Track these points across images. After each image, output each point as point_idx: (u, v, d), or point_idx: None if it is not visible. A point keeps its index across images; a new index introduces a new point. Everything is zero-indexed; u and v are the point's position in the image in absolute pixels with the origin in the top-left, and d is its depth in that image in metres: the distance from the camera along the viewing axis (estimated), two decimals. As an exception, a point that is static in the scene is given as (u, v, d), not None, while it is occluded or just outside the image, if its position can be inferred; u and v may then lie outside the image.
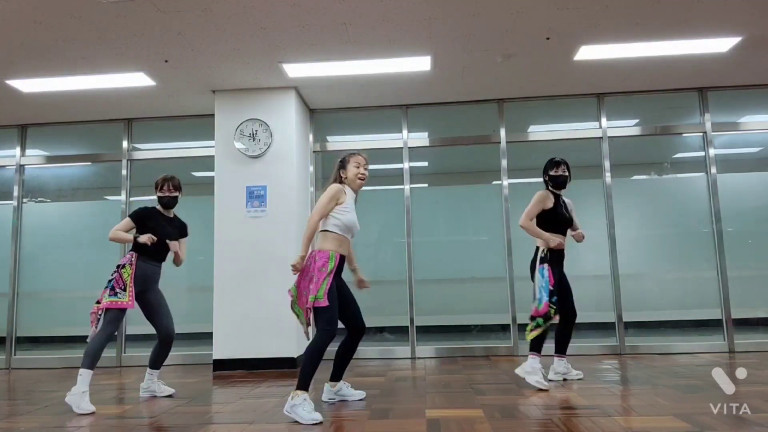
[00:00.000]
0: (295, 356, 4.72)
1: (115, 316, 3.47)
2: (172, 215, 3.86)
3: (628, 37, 4.17)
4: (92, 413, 3.24)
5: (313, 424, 2.82)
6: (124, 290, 3.49)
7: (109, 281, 3.53)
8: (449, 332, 5.62)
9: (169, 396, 3.72)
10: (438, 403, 3.19)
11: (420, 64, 4.53)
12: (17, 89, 4.78)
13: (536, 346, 3.61)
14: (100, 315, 3.44)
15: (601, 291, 5.21)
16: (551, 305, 3.55)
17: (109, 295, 3.46)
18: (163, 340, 3.73)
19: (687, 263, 5.36)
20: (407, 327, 5.26)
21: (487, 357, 5.06)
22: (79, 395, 3.30)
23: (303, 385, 2.94)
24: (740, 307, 5.08)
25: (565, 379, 3.76)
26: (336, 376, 3.39)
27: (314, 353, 2.98)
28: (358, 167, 3.28)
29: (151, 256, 3.67)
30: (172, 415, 3.11)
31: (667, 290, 5.40)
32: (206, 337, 4.98)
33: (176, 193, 3.79)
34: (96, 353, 3.41)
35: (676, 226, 5.45)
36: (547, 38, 4.15)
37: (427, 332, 5.41)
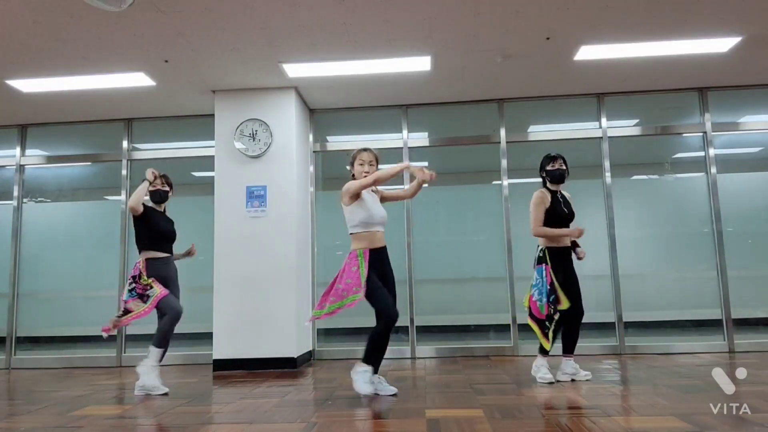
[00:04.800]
0: (295, 356, 4.72)
1: (168, 302, 3.72)
2: (162, 209, 4.01)
3: (628, 37, 4.17)
4: (164, 394, 3.68)
5: (363, 395, 3.28)
6: (151, 288, 3.73)
7: (130, 291, 3.75)
8: (449, 332, 5.62)
9: (164, 395, 3.73)
10: (438, 403, 3.19)
11: (420, 64, 4.53)
12: (17, 89, 4.78)
13: (567, 348, 3.77)
14: (123, 326, 3.85)
15: (601, 291, 5.21)
16: (550, 305, 3.61)
17: (145, 302, 3.72)
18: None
19: (687, 263, 5.36)
20: (407, 327, 5.26)
21: (487, 357, 5.06)
22: (151, 373, 3.70)
23: (368, 361, 3.32)
24: (740, 307, 5.08)
25: (573, 380, 3.75)
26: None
27: (375, 336, 3.30)
28: (362, 165, 3.45)
29: (160, 248, 3.84)
30: (172, 415, 3.11)
31: (667, 290, 5.40)
32: (206, 337, 4.98)
33: (167, 189, 3.89)
34: (166, 333, 3.72)
35: (676, 226, 5.45)
36: (547, 38, 4.15)
37: (427, 332, 5.41)
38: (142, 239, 3.81)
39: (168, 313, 3.71)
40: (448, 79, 4.89)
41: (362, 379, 3.29)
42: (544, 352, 3.72)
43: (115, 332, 3.80)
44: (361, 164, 3.44)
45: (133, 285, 3.73)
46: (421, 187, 3.57)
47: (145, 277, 3.73)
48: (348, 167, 3.57)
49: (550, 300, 3.62)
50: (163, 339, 3.72)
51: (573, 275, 3.78)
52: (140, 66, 4.44)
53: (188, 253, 4.17)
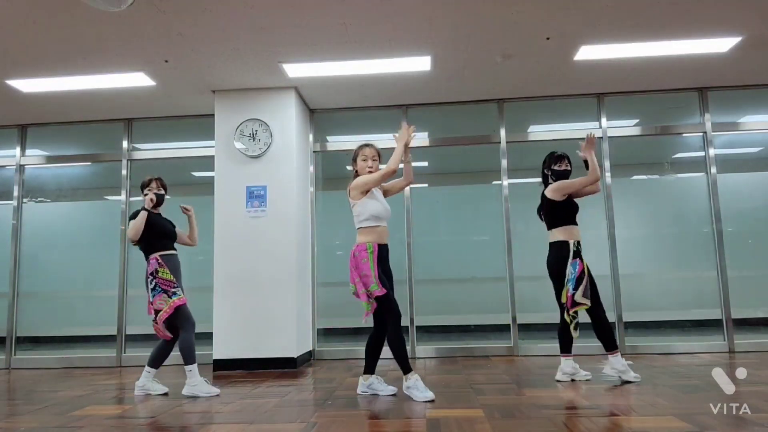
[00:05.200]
0: (295, 356, 4.72)
1: (184, 313, 3.73)
2: (159, 212, 3.96)
3: (628, 37, 4.17)
4: (217, 395, 3.64)
5: (425, 402, 3.18)
6: (177, 286, 3.72)
7: (153, 289, 3.69)
8: (449, 332, 5.62)
9: (164, 395, 3.73)
10: (438, 403, 3.19)
11: (420, 64, 4.53)
12: (17, 89, 4.78)
13: (565, 348, 3.73)
14: (164, 324, 3.69)
15: (601, 291, 5.17)
16: (572, 297, 3.64)
17: (170, 297, 3.68)
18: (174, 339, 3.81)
19: (687, 263, 5.36)
20: (407, 327, 5.25)
21: (487, 357, 5.06)
22: (201, 383, 3.67)
23: (406, 369, 3.31)
24: (740, 307, 5.08)
25: (573, 380, 3.75)
26: (368, 369, 3.52)
27: (394, 340, 3.34)
28: (365, 160, 3.48)
29: (165, 247, 3.80)
30: (172, 415, 3.11)
31: (667, 290, 5.40)
32: (206, 337, 4.98)
33: (163, 192, 3.89)
34: (192, 347, 3.71)
35: (676, 226, 5.45)
36: (547, 38, 4.15)
37: (427, 332, 5.41)
38: (152, 241, 3.78)
39: (184, 326, 3.70)
40: (448, 79, 4.89)
41: (418, 388, 3.26)
42: (567, 350, 3.73)
43: (168, 334, 3.74)
44: (365, 160, 3.47)
45: (155, 281, 3.69)
46: (409, 159, 3.58)
47: (165, 270, 3.70)
48: (348, 166, 3.58)
49: (576, 290, 3.62)
50: (191, 353, 3.69)
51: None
52: (140, 66, 4.44)
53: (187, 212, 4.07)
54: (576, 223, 3.78)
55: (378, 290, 3.28)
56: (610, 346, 3.67)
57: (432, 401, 3.18)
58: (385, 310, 3.34)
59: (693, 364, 4.37)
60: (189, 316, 3.75)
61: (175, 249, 3.90)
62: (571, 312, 3.66)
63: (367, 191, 3.42)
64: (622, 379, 3.65)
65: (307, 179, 5.43)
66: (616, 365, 3.67)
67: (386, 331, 3.43)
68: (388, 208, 3.50)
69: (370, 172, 3.44)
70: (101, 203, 6.14)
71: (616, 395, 3.27)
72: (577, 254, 3.69)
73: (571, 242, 3.70)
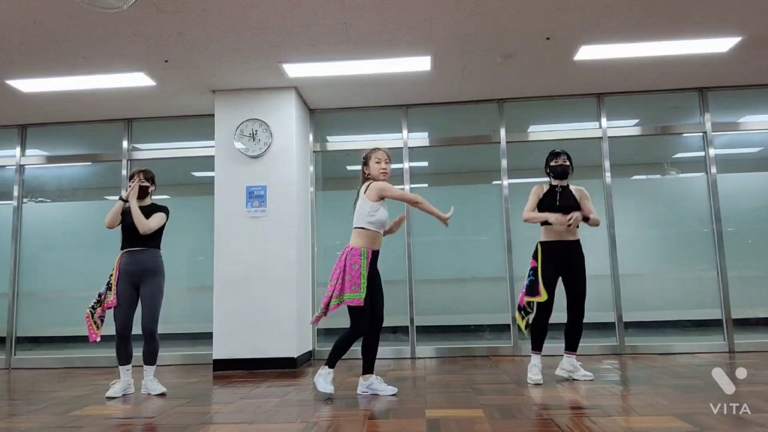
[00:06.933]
0: (295, 356, 4.72)
1: (114, 314, 3.77)
2: (148, 203, 3.93)
3: (628, 37, 4.17)
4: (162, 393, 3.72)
5: (325, 398, 3.35)
6: (108, 289, 3.80)
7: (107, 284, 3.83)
8: (449, 332, 5.62)
9: (161, 395, 3.73)
10: (438, 403, 3.19)
11: (420, 64, 4.53)
12: (17, 89, 4.78)
13: (535, 345, 3.77)
14: (97, 319, 3.77)
15: (601, 291, 5.20)
16: (525, 295, 3.74)
17: (107, 297, 3.79)
18: (143, 333, 3.82)
19: (687, 263, 5.36)
20: (407, 327, 5.26)
21: (487, 357, 5.06)
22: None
23: (331, 363, 3.39)
24: (740, 307, 5.08)
25: (574, 379, 3.75)
26: (367, 369, 3.53)
27: (342, 341, 3.36)
28: (379, 162, 3.48)
29: (124, 243, 3.84)
30: (172, 415, 3.11)
31: (667, 290, 5.40)
32: (206, 337, 4.98)
33: (147, 184, 3.90)
34: (119, 349, 3.81)
35: (676, 226, 5.45)
36: (547, 38, 4.15)
37: (427, 332, 5.41)
38: (121, 236, 3.87)
39: (116, 327, 3.74)
40: (448, 79, 4.89)
41: (325, 379, 3.37)
42: (536, 347, 3.77)
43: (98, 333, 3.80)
44: (378, 162, 3.47)
45: (109, 278, 3.82)
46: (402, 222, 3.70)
47: (114, 270, 3.77)
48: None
49: (526, 291, 3.72)
50: (121, 355, 3.79)
51: (576, 273, 3.74)
52: (140, 66, 4.44)
53: None
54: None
55: (357, 300, 3.26)
56: (572, 347, 3.81)
57: (329, 398, 3.34)
58: (358, 319, 3.32)
59: (693, 364, 4.37)
60: (117, 319, 3.74)
61: (139, 246, 3.79)
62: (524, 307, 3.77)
63: (383, 198, 3.44)
64: (575, 378, 3.74)
65: (307, 179, 5.43)
66: (565, 365, 3.80)
67: (374, 331, 3.46)
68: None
69: (384, 173, 3.46)
70: (101, 203, 6.13)
71: (616, 395, 3.27)
72: (535, 254, 3.79)
73: (538, 243, 3.82)
